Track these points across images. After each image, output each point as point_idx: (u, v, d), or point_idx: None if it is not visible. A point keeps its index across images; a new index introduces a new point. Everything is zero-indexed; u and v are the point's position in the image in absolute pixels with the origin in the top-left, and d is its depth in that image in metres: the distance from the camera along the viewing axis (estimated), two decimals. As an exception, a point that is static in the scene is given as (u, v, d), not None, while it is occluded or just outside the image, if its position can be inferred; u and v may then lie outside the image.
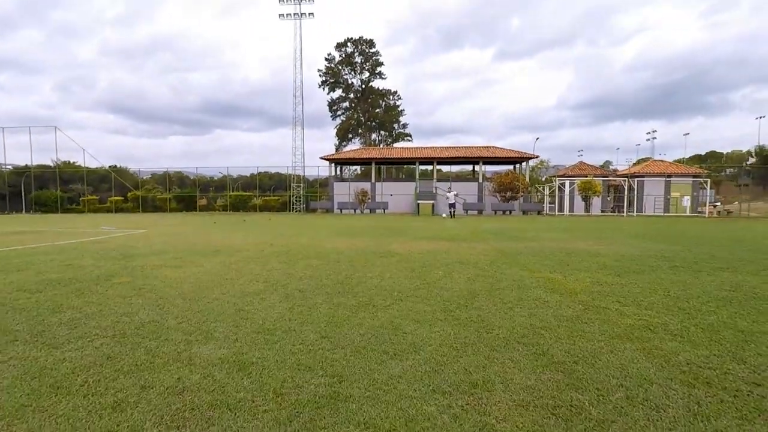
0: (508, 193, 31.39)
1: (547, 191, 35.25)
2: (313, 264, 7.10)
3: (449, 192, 24.57)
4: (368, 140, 62.17)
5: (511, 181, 31.11)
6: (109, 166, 37.56)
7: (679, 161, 48.69)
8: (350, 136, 64.32)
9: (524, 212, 31.20)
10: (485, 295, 4.85)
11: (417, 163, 34.24)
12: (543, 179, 39.89)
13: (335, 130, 63.65)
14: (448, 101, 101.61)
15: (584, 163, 40.95)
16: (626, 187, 30.56)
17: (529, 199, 33.22)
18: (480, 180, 34.43)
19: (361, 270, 6.55)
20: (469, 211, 30.86)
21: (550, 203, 33.06)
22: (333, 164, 33.84)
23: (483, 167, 35.03)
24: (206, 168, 59.18)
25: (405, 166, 48.47)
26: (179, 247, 9.34)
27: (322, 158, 33.69)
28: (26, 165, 38.32)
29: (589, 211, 32.19)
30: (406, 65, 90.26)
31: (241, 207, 31.39)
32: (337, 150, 61.48)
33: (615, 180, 35.62)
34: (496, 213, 30.38)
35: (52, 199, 33.70)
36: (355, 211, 29.38)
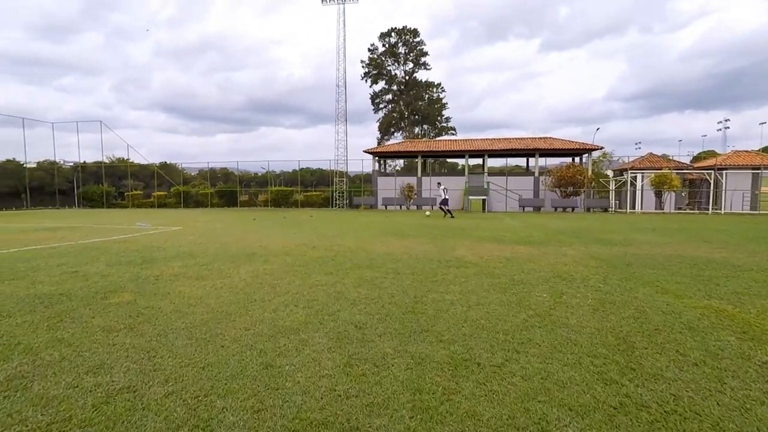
0: (570, 188, 28.67)
1: (612, 186, 32.07)
2: (367, 277, 5.58)
3: (440, 188, 21.87)
4: (411, 134, 60.35)
5: (573, 174, 28.35)
6: (159, 163, 38.22)
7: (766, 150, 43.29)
8: (392, 130, 62.79)
9: (588, 209, 28.39)
10: (645, 342, 3.13)
11: (466, 156, 32.12)
12: (604, 172, 36.53)
13: (377, 124, 62.36)
14: (491, 95, 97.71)
15: (653, 154, 37.07)
16: (712, 181, 26.96)
17: (590, 194, 30.28)
18: (536, 174, 31.84)
19: (432, 287, 4.94)
20: (525, 208, 28.45)
21: (614, 199, 29.95)
22: (376, 158, 32.44)
23: (539, 160, 32.38)
24: (249, 163, 59.80)
25: (448, 160, 46.36)
26: (209, 250, 8.14)
27: (366, 152, 32.33)
28: (84, 161, 39.82)
29: (662, 208, 28.84)
30: (448, 59, 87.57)
31: (282, 203, 30.68)
32: (378, 145, 60.20)
33: (692, 173, 31.83)
34: (556, 210, 27.79)
35: (99, 194, 34.61)
36: (401, 207, 27.79)
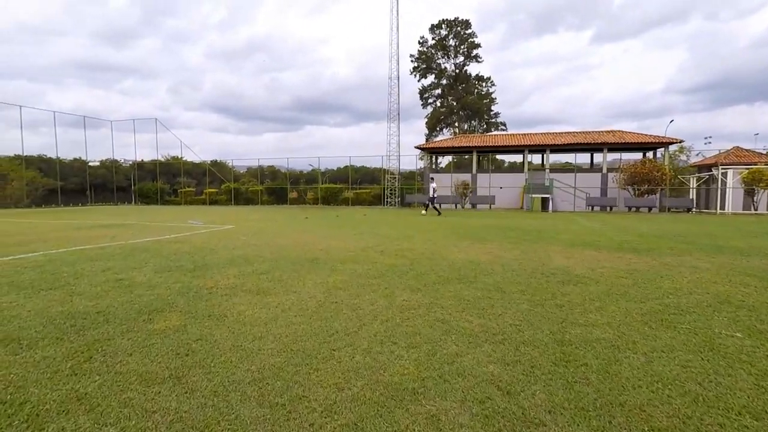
0: (645, 186, 25.97)
1: (693, 183, 28.92)
2: (467, 297, 4.39)
3: (432, 183, 20.01)
4: (461, 130, 58.36)
5: (650, 170, 25.64)
6: (210, 161, 38.97)
7: None
8: (441, 126, 61.03)
9: (667, 209, 25.59)
10: None
11: (526, 151, 30.07)
12: (680, 168, 33.14)
13: (425, 120, 60.82)
14: (539, 90, 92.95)
15: (740, 148, 33.14)
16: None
17: (668, 193, 27.31)
18: (603, 170, 29.25)
19: (562, 315, 3.69)
20: (594, 208, 26.10)
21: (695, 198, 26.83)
22: (428, 154, 31.10)
23: (607, 155, 29.74)
24: (298, 159, 60.22)
25: (497, 156, 44.00)
26: (265, 253, 7.26)
27: (417, 147, 31.13)
28: (141, 160, 41.45)
29: (755, 209, 25.51)
30: (494, 53, 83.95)
31: (331, 200, 30.11)
32: (427, 141, 58.76)
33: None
34: (630, 210, 25.24)
35: (153, 191, 35.73)
36: (456, 206, 26.32)
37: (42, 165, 33.61)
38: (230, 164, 41.53)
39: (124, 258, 6.70)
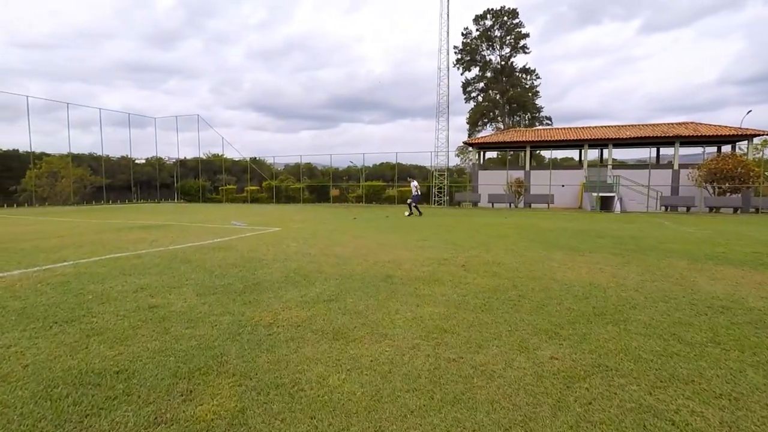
0: (726, 184, 23.13)
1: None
2: (641, 352, 2.98)
3: (412, 183, 17.90)
4: (506, 124, 55.81)
5: (733, 166, 22.79)
6: (249, 158, 38.80)
7: None
8: (484, 121, 58.61)
9: (757, 210, 22.65)
10: None
11: (585, 146, 27.71)
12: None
13: (467, 115, 58.54)
14: (580, 84, 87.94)
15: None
16: None
17: (759, 191, 24.20)
18: (675, 166, 26.48)
19: None
20: (669, 208, 23.53)
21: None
22: (476, 150, 29.28)
23: (679, 150, 26.91)
24: (342, 155, 59.54)
25: (544, 153, 41.32)
26: (326, 266, 6.06)
27: (465, 143, 29.46)
28: (184, 157, 41.95)
29: None
30: (534, 46, 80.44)
31: (373, 198, 28.97)
32: (469, 136, 56.70)
33: None
34: (711, 210, 22.52)
35: (195, 189, 35.81)
36: (510, 205, 24.44)
37: (92, 163, 34.38)
38: (271, 161, 41.29)
39: (161, 272, 5.67)
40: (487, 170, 30.14)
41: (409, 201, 16.64)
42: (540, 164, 36.88)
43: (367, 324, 3.59)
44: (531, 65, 57.25)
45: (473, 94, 59.23)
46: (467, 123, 59.15)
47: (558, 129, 31.25)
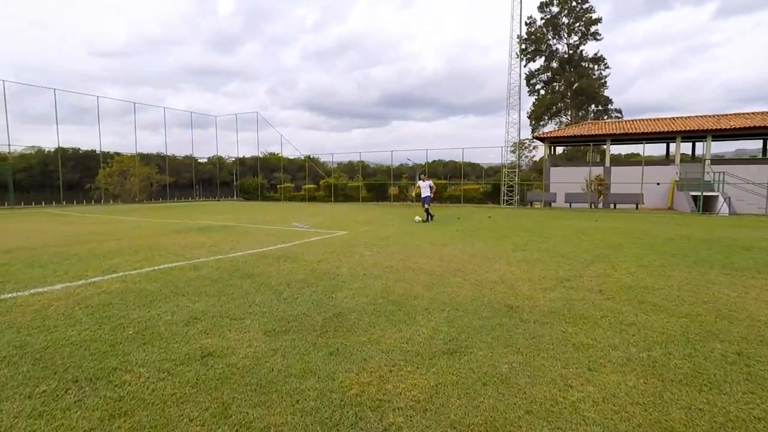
0: None
1: None
2: None
3: (424, 180, 14.48)
4: (573, 118, 51.97)
5: None
6: (305, 156, 38.65)
7: None
8: (549, 114, 54.97)
9: None
10: None
11: (678, 139, 24.48)
12: None
13: (531, 107, 55.12)
14: (646, 74, 79.95)
15: None
16: None
17: None
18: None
19: None
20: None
21: None
22: (549, 145, 26.83)
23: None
24: (402, 152, 58.39)
25: (603, 147, 37.52)
26: (419, 287, 4.76)
27: (536, 137, 27.15)
28: (243, 156, 42.73)
29: None
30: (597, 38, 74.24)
31: (435, 197, 27.36)
32: (533, 131, 53.58)
33: None
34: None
35: (254, 187, 36.04)
36: (592, 205, 21.91)
37: (159, 162, 35.63)
38: (326, 159, 40.94)
39: (220, 291, 4.62)
40: (558, 167, 27.63)
41: (426, 206, 13.75)
42: (616, 160, 33.32)
43: (532, 411, 2.22)
44: (600, 53, 52.88)
45: (537, 87, 55.86)
46: (529, 117, 55.80)
47: (644, 120, 27.97)
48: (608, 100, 53.00)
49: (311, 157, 39.68)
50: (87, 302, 4.19)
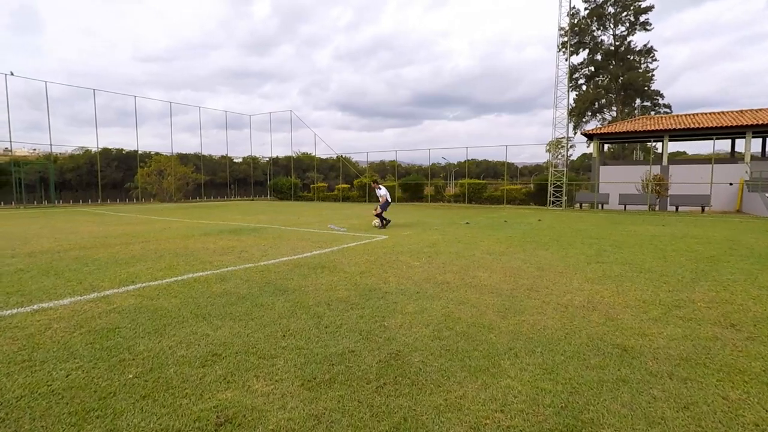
0: None
1: None
2: None
3: (378, 187, 12.80)
4: (620, 113, 49.14)
5: None
6: (338, 156, 38.19)
7: None
8: (592, 110, 52.23)
9: None
10: None
11: (749, 134, 22.21)
12: None
13: (572, 103, 52.52)
14: (693, 68, 74.67)
15: None
16: None
17: None
18: None
19: None
20: None
21: None
22: (598, 142, 25.00)
23: None
24: (439, 150, 57.23)
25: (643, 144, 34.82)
26: (490, 313, 3.82)
27: (583, 134, 25.47)
28: (277, 156, 42.81)
29: None
30: (641, 30, 69.93)
31: (473, 198, 26.18)
32: (575, 127, 51.22)
33: None
34: None
35: (287, 186, 35.79)
36: (650, 207, 20.03)
37: (197, 162, 36.04)
38: (359, 158, 40.34)
39: (247, 314, 3.83)
40: (608, 166, 25.76)
41: (380, 211, 12.24)
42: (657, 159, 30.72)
43: None
44: (650, 44, 49.69)
45: (579, 82, 53.23)
46: (570, 114, 53.18)
47: (705, 114, 25.63)
48: (657, 95, 49.89)
49: (344, 156, 39.18)
50: (91, 325, 3.49)
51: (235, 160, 46.03)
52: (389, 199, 12.47)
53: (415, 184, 29.16)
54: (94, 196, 31.78)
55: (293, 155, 41.02)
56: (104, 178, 33.61)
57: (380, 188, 12.66)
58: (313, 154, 39.97)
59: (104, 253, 7.01)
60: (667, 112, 48.18)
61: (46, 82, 26.35)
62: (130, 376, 2.60)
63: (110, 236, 9.46)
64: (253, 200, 35.90)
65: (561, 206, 22.33)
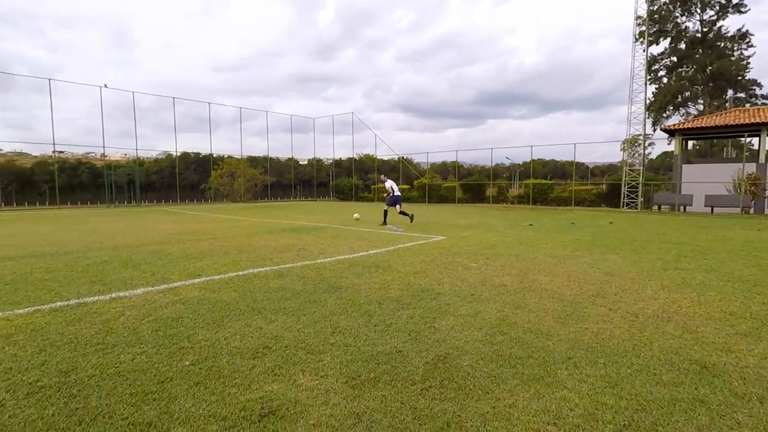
0: None
1: None
2: None
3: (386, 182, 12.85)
4: (707, 107, 44.62)
5: None
6: (399, 157, 38.35)
7: None
8: (675, 103, 47.93)
9: None
10: None
11: None
12: None
13: (652, 96, 48.56)
14: None
15: None
16: None
17: None
18: None
19: None
20: None
21: None
22: (681, 138, 22.84)
23: None
24: (504, 149, 55.69)
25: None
26: (549, 319, 3.59)
27: (664, 129, 23.43)
28: (339, 158, 43.96)
29: None
30: (732, 13, 62.35)
31: (538, 199, 25.05)
32: (654, 123, 47.49)
33: None
34: None
35: (348, 187, 36.55)
36: (743, 210, 17.92)
37: (266, 164, 37.96)
38: (420, 159, 40.24)
39: (299, 310, 3.92)
40: (692, 164, 23.48)
41: (398, 208, 12.40)
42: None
43: None
44: (745, 28, 44.60)
45: (659, 74, 49.09)
46: (648, 109, 49.12)
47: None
48: (753, 84, 44.63)
49: (405, 157, 39.24)
50: (158, 314, 3.75)
51: (301, 162, 47.86)
52: (396, 192, 12.40)
53: (476, 184, 28.47)
54: (174, 197, 34.53)
55: (355, 157, 41.87)
56: (183, 179, 36.42)
57: (386, 181, 12.73)
58: (375, 155, 40.50)
59: (177, 248, 7.56)
60: (765, 104, 43.03)
61: (133, 92, 29.11)
62: (187, 363, 2.73)
63: (184, 233, 10.19)
64: (315, 201, 37.09)
65: (636, 208, 20.65)
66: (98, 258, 6.61)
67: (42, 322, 3.53)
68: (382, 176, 13.44)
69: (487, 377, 2.54)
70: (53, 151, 30.25)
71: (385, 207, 12.58)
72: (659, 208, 20.65)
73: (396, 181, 33.58)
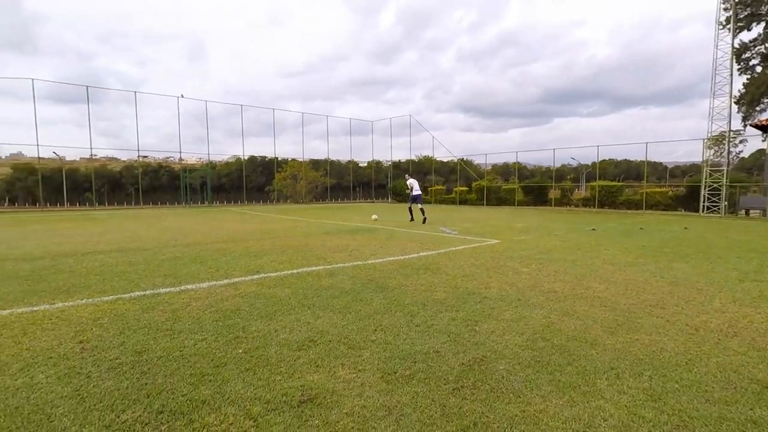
0: None
1: None
2: None
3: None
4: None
5: None
6: (458, 158, 37.96)
7: None
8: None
9: None
10: None
11: None
12: None
13: (740, 90, 43.88)
14: None
15: None
16: None
17: None
18: None
19: None
20: None
21: None
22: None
23: None
24: (565, 149, 53.49)
25: None
26: (600, 331, 3.49)
27: (754, 125, 21.21)
28: (398, 160, 44.38)
29: None
30: None
31: (606, 202, 23.64)
32: (745, 118, 43.08)
33: None
34: None
35: (405, 189, 36.71)
36: None
37: (327, 167, 39.26)
38: (480, 160, 39.51)
39: (346, 307, 4.11)
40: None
41: (415, 205, 12.85)
42: None
43: None
44: None
45: (751, 63, 44.30)
46: (737, 103, 44.42)
47: None
48: None
49: (464, 159, 38.71)
50: (219, 305, 4.11)
51: (360, 165, 48.86)
52: (416, 191, 12.94)
53: (538, 186, 27.48)
54: (242, 198, 36.72)
55: (413, 159, 42.04)
56: (250, 182, 38.59)
57: (408, 179, 13.46)
58: (433, 156, 40.41)
59: (240, 247, 8.13)
60: None
61: (206, 101, 31.40)
62: (240, 351, 3.00)
63: (247, 232, 10.89)
64: (373, 202, 37.70)
65: (718, 212, 18.82)
66: (172, 254, 7.29)
67: (123, 309, 4.02)
68: (407, 175, 14.24)
69: (522, 382, 2.55)
70: (138, 156, 33.37)
71: (419, 206, 13.18)
72: (747, 212, 18.69)
73: (454, 182, 33.25)
